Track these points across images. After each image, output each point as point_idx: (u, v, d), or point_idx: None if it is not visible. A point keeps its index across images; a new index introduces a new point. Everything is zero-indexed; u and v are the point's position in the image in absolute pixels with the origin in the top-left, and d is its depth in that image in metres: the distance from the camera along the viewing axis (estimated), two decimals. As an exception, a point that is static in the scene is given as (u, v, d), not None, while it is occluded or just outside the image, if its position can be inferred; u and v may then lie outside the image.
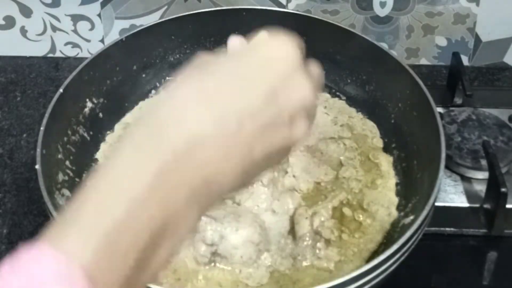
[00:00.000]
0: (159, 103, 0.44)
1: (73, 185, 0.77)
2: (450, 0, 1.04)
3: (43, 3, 1.06)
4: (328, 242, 0.74)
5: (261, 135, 0.45)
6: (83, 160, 0.82)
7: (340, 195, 0.79)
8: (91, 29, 1.09)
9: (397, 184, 0.82)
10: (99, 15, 1.08)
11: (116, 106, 0.89)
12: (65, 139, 0.80)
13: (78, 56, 1.11)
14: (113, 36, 1.09)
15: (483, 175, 0.86)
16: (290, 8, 1.06)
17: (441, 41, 1.08)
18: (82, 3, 1.06)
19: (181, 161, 0.41)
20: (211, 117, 0.43)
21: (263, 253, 0.72)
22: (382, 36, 1.08)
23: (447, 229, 0.84)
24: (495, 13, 1.05)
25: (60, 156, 0.78)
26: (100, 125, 0.87)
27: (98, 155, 0.85)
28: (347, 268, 0.72)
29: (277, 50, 0.50)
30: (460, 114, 0.95)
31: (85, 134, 0.84)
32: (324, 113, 0.91)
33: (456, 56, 1.00)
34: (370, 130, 0.89)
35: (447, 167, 0.87)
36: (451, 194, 0.87)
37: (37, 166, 0.71)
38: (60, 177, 0.76)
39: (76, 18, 1.08)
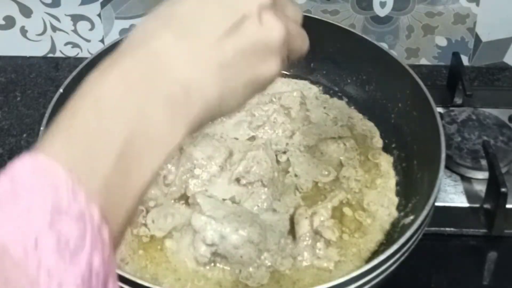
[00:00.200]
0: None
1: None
2: (450, 0, 1.04)
3: (43, 3, 1.06)
4: (328, 242, 0.74)
5: (228, 36, 0.45)
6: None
7: (340, 195, 0.79)
8: (91, 29, 1.09)
9: (397, 184, 0.82)
10: (99, 15, 1.08)
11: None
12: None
13: (78, 56, 1.11)
14: (113, 36, 1.09)
15: (483, 175, 0.86)
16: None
17: (441, 41, 1.08)
18: (82, 3, 1.06)
19: (151, 69, 0.43)
20: (173, 32, 0.45)
21: (263, 253, 0.72)
22: (382, 36, 1.08)
23: (447, 229, 0.84)
24: (495, 13, 1.05)
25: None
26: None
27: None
28: (347, 268, 0.72)
29: None
30: (460, 114, 0.95)
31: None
32: (324, 113, 0.91)
33: (456, 56, 1.00)
34: (370, 130, 0.89)
35: (447, 167, 0.87)
36: (451, 194, 0.87)
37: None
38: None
39: (76, 18, 1.08)
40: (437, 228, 0.82)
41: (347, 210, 0.78)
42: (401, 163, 0.84)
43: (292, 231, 0.75)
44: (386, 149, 0.86)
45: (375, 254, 0.74)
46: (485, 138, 0.91)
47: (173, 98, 0.43)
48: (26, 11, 1.07)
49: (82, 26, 1.09)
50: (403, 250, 0.65)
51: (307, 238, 0.73)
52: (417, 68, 0.94)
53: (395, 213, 0.78)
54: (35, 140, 0.75)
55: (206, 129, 0.48)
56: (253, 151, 0.81)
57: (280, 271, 0.72)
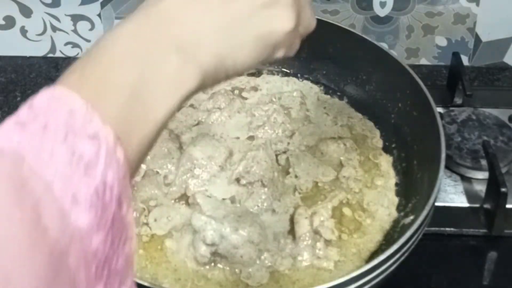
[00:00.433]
0: None
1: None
2: (450, 0, 1.04)
3: (43, 3, 1.06)
4: (328, 242, 0.74)
5: None
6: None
7: (340, 195, 0.79)
8: (91, 29, 1.09)
9: (397, 184, 0.82)
10: (99, 15, 1.08)
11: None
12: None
13: (78, 56, 1.11)
14: (113, 36, 1.09)
15: (483, 175, 0.86)
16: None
17: (441, 41, 1.09)
18: (82, 3, 1.06)
19: (162, 21, 0.45)
20: None
21: (263, 253, 0.72)
22: (382, 36, 1.08)
23: (447, 229, 0.84)
24: (495, 13, 1.05)
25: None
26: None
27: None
28: (347, 268, 0.72)
29: None
30: (460, 114, 0.95)
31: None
32: (324, 113, 0.91)
33: (456, 56, 1.00)
34: (370, 130, 0.89)
35: (447, 167, 0.87)
36: (451, 194, 0.87)
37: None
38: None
39: (76, 18, 1.08)
40: (437, 228, 0.82)
41: (347, 210, 0.78)
42: (401, 163, 0.84)
43: (292, 231, 0.75)
44: (386, 149, 0.86)
45: (375, 254, 0.74)
46: (485, 138, 0.91)
47: (184, 47, 0.44)
48: (26, 11, 1.07)
49: (82, 26, 1.09)
50: (403, 250, 0.65)
51: (307, 238, 0.73)
52: (417, 68, 0.95)
53: (395, 213, 0.78)
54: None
55: (220, 85, 0.49)
56: (253, 151, 0.82)
57: (280, 271, 0.72)
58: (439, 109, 0.89)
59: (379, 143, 0.87)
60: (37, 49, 1.11)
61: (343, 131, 0.88)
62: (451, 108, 0.96)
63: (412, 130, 0.84)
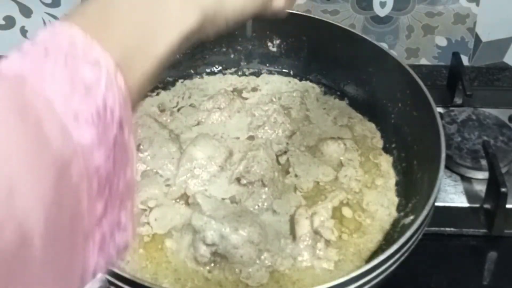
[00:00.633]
0: None
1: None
2: (450, 0, 1.04)
3: (43, 3, 1.06)
4: (328, 242, 0.74)
5: None
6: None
7: (340, 195, 0.79)
8: (91, 29, 1.09)
9: (397, 184, 0.82)
10: (99, 15, 1.08)
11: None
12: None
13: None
14: (113, 36, 1.09)
15: (483, 175, 0.86)
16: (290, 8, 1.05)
17: (441, 41, 1.09)
18: (82, 3, 1.06)
19: None
20: None
21: (263, 253, 0.72)
22: (382, 36, 1.08)
23: (447, 229, 0.84)
24: (495, 13, 1.06)
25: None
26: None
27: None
28: (347, 268, 0.72)
29: None
30: (460, 114, 0.95)
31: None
32: (324, 113, 0.91)
33: (456, 56, 1.00)
34: (370, 130, 0.89)
35: (447, 167, 0.87)
36: (451, 194, 0.87)
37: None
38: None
39: (76, 18, 1.08)
40: (437, 228, 0.82)
41: (347, 210, 0.78)
42: (401, 163, 0.84)
43: (292, 231, 0.75)
44: (386, 149, 0.86)
45: (375, 254, 0.74)
46: (485, 138, 0.91)
47: None
48: (26, 11, 1.07)
49: (82, 26, 1.09)
50: (403, 250, 0.65)
51: (307, 238, 0.73)
52: (417, 68, 0.95)
53: (395, 213, 0.78)
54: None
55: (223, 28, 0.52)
56: (253, 151, 0.82)
57: (280, 271, 0.72)
58: (439, 109, 0.89)
59: (379, 143, 0.87)
60: (37, 49, 1.11)
61: (343, 131, 0.88)
62: (451, 108, 0.96)
63: (412, 130, 0.84)
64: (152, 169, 0.81)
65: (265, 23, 0.94)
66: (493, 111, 0.96)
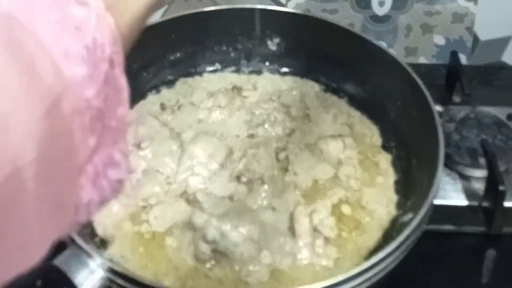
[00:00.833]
0: None
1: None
2: (448, -1, 1.05)
3: (43, 2, 1.06)
4: (327, 240, 0.74)
5: None
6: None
7: (339, 193, 0.80)
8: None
9: (396, 182, 0.82)
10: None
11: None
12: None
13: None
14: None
15: (482, 173, 0.87)
16: (290, 7, 1.06)
17: (440, 40, 1.09)
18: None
19: None
20: None
21: (263, 250, 0.72)
22: (381, 35, 1.08)
23: (446, 227, 0.84)
24: (493, 12, 1.06)
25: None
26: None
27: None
28: (346, 266, 0.72)
29: None
30: (458, 113, 0.95)
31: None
32: (323, 112, 0.91)
33: (454, 55, 1.00)
34: (369, 128, 0.89)
35: (445, 165, 0.87)
36: (450, 192, 0.87)
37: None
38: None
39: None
40: (436, 226, 0.83)
41: (346, 208, 0.78)
42: (400, 161, 0.84)
43: (292, 229, 0.75)
44: (385, 147, 0.87)
45: (374, 252, 0.74)
46: (483, 136, 0.91)
47: None
48: (27, 10, 1.07)
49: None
50: (402, 248, 0.66)
51: (306, 236, 0.74)
52: (415, 67, 0.95)
53: (394, 211, 0.78)
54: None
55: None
56: (253, 149, 0.82)
57: (280, 269, 0.72)
58: (438, 108, 0.89)
59: (378, 141, 0.87)
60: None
61: (342, 129, 0.89)
62: (450, 107, 0.97)
63: (411, 128, 0.84)
64: (153, 167, 0.81)
65: (265, 23, 0.95)
66: (492, 110, 0.96)
